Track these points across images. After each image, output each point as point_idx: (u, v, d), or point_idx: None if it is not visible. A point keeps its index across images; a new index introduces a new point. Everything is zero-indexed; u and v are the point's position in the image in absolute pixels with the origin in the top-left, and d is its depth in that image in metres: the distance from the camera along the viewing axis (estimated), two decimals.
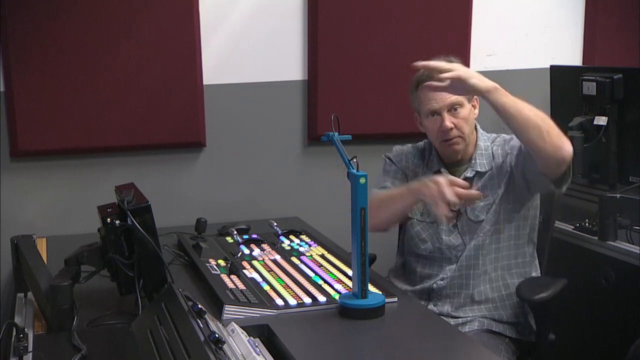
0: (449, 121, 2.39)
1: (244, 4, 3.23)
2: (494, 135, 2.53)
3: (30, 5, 2.94)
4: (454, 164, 2.51)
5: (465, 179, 2.43)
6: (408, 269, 2.59)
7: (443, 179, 2.21)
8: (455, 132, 2.40)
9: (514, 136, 2.37)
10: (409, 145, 2.66)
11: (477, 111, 2.48)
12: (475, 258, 2.44)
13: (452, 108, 2.39)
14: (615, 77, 3.04)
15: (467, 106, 2.42)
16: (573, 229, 2.96)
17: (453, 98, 2.38)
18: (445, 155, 2.51)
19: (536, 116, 2.20)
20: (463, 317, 2.42)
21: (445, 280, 2.45)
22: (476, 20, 3.46)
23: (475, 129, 2.50)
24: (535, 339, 2.46)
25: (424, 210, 2.53)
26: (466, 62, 3.39)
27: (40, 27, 2.97)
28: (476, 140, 2.49)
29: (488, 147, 2.49)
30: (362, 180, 2.03)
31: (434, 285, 2.46)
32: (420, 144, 2.63)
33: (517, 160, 2.40)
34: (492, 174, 2.45)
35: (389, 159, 2.65)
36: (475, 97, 2.45)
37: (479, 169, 2.46)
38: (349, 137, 2.16)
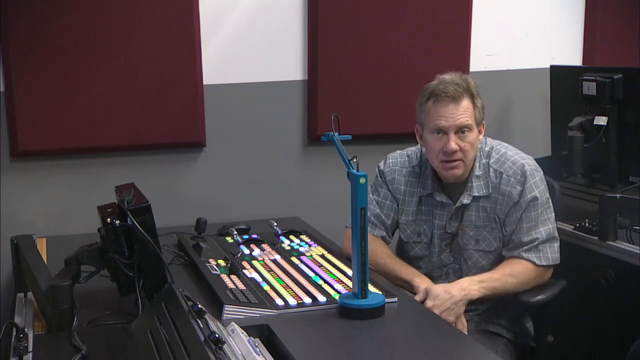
0: (454, 143, 2.29)
1: (244, 4, 3.23)
2: (487, 148, 2.43)
3: (30, 5, 2.94)
4: (449, 186, 2.44)
5: (462, 205, 2.41)
6: None
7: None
8: (458, 155, 2.31)
9: (518, 192, 2.35)
10: (405, 155, 2.55)
11: (481, 137, 2.39)
12: (467, 273, 2.44)
13: (461, 130, 2.30)
14: (615, 77, 3.04)
15: (475, 131, 2.33)
16: (573, 229, 2.96)
17: (464, 120, 2.29)
18: (441, 176, 2.43)
19: (518, 284, 2.33)
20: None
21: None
22: (476, 20, 3.46)
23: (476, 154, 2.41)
24: (534, 343, 2.45)
25: (421, 231, 2.52)
26: (466, 62, 3.40)
27: (40, 27, 2.97)
28: (474, 161, 2.40)
29: (484, 165, 2.40)
30: (362, 180, 2.03)
31: None
32: (414, 155, 2.53)
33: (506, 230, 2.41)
34: (488, 206, 2.39)
35: (381, 174, 2.56)
36: (483, 121, 2.38)
37: (476, 194, 2.39)
38: (349, 137, 2.16)
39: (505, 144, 2.47)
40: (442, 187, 2.46)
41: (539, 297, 2.35)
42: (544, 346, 2.40)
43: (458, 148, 2.30)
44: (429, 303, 2.24)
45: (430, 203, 2.48)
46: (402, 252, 2.60)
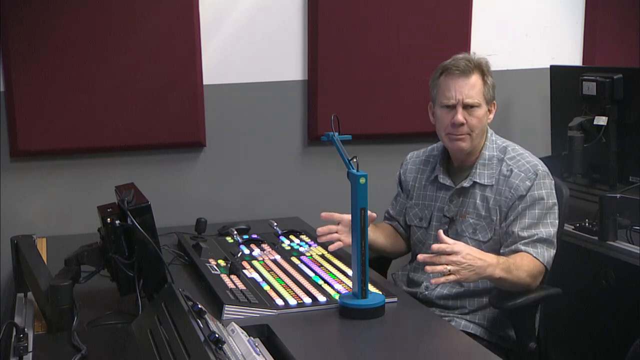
0: (461, 115, 2.35)
1: (244, 4, 3.23)
2: (504, 144, 2.46)
3: (30, 5, 2.94)
4: (455, 171, 2.48)
5: (462, 188, 2.43)
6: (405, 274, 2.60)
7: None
8: (465, 129, 2.36)
9: (527, 186, 2.33)
10: (425, 149, 2.63)
11: (491, 116, 2.43)
12: None
13: (469, 106, 2.36)
14: (615, 77, 3.04)
15: (484, 108, 2.38)
16: (573, 229, 2.96)
17: (470, 98, 2.35)
18: (451, 153, 2.47)
19: (527, 277, 2.26)
20: (443, 317, 2.38)
21: (429, 290, 2.45)
22: (476, 20, 3.45)
23: (486, 135, 2.45)
24: (518, 349, 2.38)
25: (422, 216, 2.53)
26: None
27: (40, 27, 2.97)
28: (482, 148, 2.43)
29: (493, 157, 2.42)
30: (362, 180, 2.03)
31: (419, 295, 2.45)
32: (436, 146, 2.60)
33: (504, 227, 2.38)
34: (491, 197, 2.39)
35: (398, 174, 2.66)
36: (493, 102, 2.43)
37: (477, 180, 2.41)
38: (349, 137, 2.17)
39: (523, 148, 2.48)
40: (448, 172, 2.50)
41: (513, 302, 2.27)
42: (526, 354, 2.35)
43: (465, 121, 2.36)
44: (458, 248, 2.13)
45: (435, 187, 2.52)
46: (410, 238, 2.63)
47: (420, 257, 2.16)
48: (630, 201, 2.76)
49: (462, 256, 2.12)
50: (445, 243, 2.14)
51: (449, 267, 2.11)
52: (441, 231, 2.21)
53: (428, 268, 2.13)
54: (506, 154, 2.43)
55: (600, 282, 2.85)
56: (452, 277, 2.12)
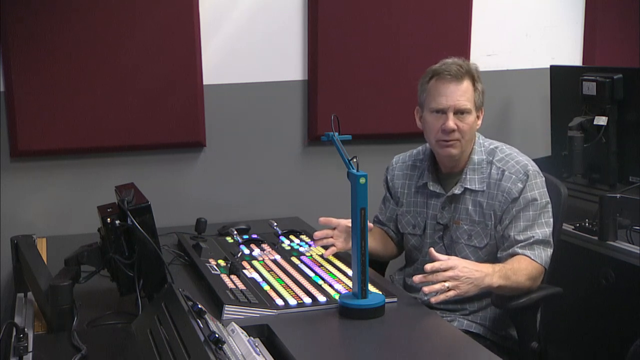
0: (452, 122, 2.31)
1: (244, 4, 3.23)
2: (492, 146, 2.43)
3: (30, 5, 2.94)
4: (444, 177, 2.46)
5: (453, 195, 2.41)
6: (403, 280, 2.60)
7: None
8: (456, 135, 2.33)
9: (519, 191, 2.32)
10: (410, 152, 2.60)
11: (479, 122, 2.40)
12: None
13: (460, 112, 2.33)
14: (615, 77, 3.04)
15: (474, 114, 2.36)
16: (573, 229, 2.96)
17: (463, 101, 2.32)
18: (439, 159, 2.45)
19: (526, 281, 2.25)
20: (445, 318, 2.37)
21: (429, 296, 2.44)
22: (476, 20, 3.45)
23: (474, 139, 2.42)
24: (519, 348, 2.38)
25: (415, 223, 2.52)
26: None
27: (40, 27, 2.97)
28: (470, 153, 2.41)
29: (482, 160, 2.40)
30: (362, 180, 2.03)
31: (418, 300, 2.43)
32: (418, 151, 2.58)
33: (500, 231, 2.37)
34: (483, 202, 2.37)
35: (385, 179, 2.62)
36: (482, 108, 2.40)
37: (468, 186, 2.39)
38: (349, 137, 2.17)
39: (511, 147, 2.47)
40: (437, 178, 2.47)
41: (516, 302, 2.27)
42: (528, 352, 2.35)
43: (456, 127, 2.32)
44: (452, 263, 2.12)
45: (426, 194, 2.49)
46: (405, 244, 2.62)
47: (416, 278, 2.14)
48: (630, 201, 2.76)
49: (458, 270, 2.11)
50: (438, 260, 2.12)
51: (447, 284, 2.10)
52: (432, 249, 2.19)
53: (425, 289, 2.11)
54: (495, 156, 2.40)
55: (600, 282, 2.85)
56: (451, 293, 2.11)
